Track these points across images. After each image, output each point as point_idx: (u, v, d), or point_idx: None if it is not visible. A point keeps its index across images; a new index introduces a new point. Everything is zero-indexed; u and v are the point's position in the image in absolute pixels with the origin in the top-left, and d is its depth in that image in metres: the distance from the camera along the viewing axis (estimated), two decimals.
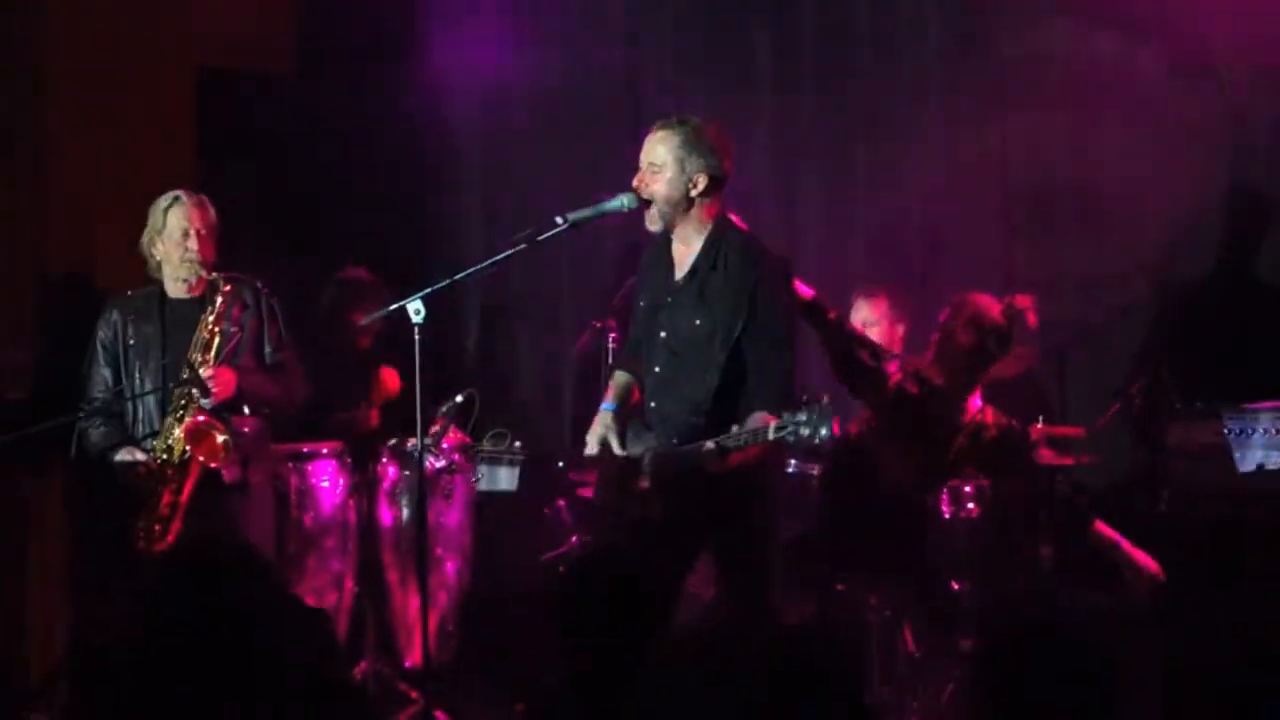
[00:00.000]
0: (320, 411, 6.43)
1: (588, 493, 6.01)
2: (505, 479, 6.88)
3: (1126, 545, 5.86)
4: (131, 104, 6.88)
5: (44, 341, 6.58)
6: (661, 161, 5.08)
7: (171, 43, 7.09)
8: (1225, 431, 6.05)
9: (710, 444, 4.90)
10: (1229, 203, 6.88)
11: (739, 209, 5.23)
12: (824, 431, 4.65)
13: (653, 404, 5.18)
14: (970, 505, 6.26)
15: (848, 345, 5.70)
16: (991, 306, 5.81)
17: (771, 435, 4.74)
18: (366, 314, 5.91)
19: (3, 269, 6.65)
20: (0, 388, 6.41)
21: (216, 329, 5.70)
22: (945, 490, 6.14)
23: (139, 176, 6.50)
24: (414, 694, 6.30)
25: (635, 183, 5.12)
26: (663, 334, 5.16)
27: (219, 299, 5.71)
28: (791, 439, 4.71)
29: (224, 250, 5.85)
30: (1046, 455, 6.25)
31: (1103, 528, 5.87)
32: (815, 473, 6.28)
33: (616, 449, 5.13)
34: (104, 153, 6.74)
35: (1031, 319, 5.84)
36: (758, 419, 4.81)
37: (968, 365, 5.85)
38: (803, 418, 4.67)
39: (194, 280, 5.80)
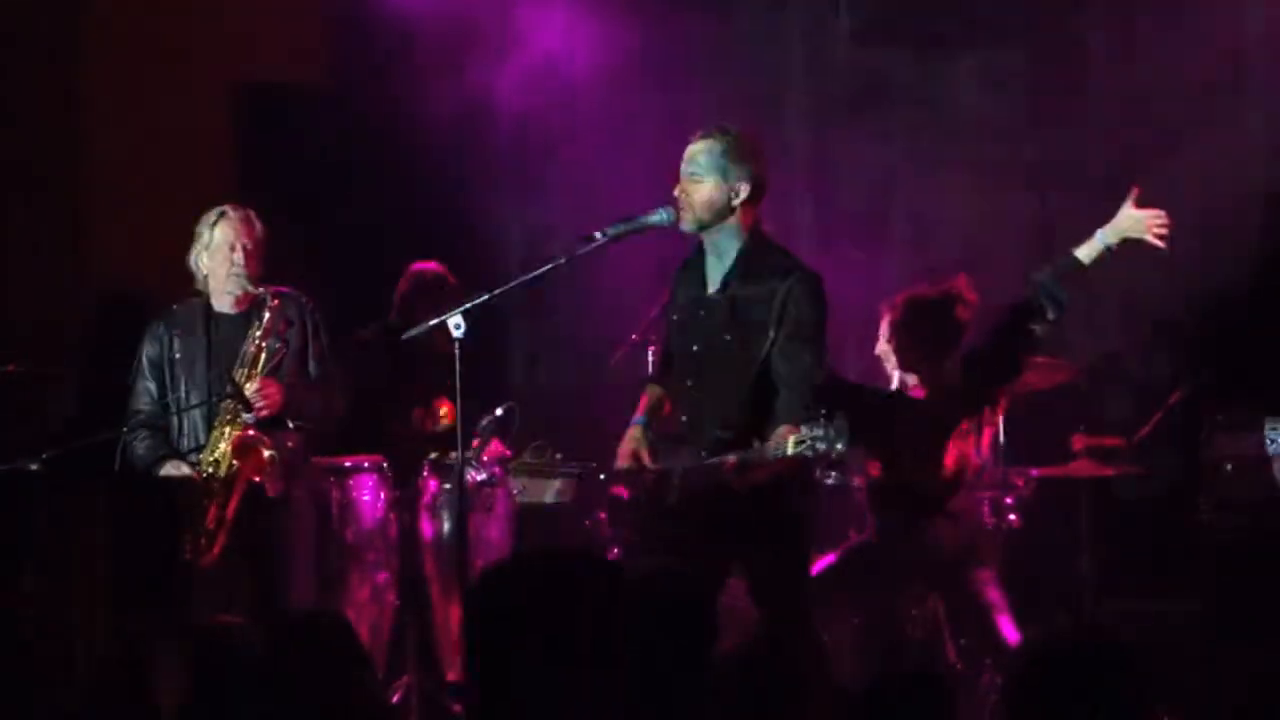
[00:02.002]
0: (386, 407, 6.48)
1: (623, 492, 6.04)
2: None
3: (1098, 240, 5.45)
4: (170, 119, 6.93)
5: (88, 356, 6.63)
6: (703, 170, 5.07)
7: (208, 58, 7.15)
8: (1268, 442, 6.03)
9: (732, 458, 4.90)
10: (1268, 211, 6.86)
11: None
12: (840, 445, 4.68)
13: (684, 418, 5.18)
14: (1011, 516, 6.26)
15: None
16: (927, 292, 5.83)
17: (790, 450, 4.75)
18: (435, 308, 5.95)
19: (46, 285, 6.71)
20: (47, 402, 6.46)
21: (263, 344, 5.72)
22: (987, 500, 6.14)
23: (179, 191, 6.55)
24: (457, 708, 6.31)
25: (676, 191, 5.12)
26: (694, 347, 5.16)
27: (265, 314, 5.73)
28: (810, 454, 4.73)
29: (269, 264, 5.87)
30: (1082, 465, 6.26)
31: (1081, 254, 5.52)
32: (858, 483, 6.27)
33: (647, 463, 5.14)
34: (143, 169, 6.79)
35: (970, 295, 5.84)
36: (781, 434, 4.81)
37: (929, 354, 5.85)
38: (820, 432, 4.69)
39: (240, 295, 5.83)
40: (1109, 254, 5.41)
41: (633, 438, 5.18)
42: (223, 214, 5.84)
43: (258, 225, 5.85)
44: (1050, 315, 5.46)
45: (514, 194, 8.07)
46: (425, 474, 6.53)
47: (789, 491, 4.99)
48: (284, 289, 5.82)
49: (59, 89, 6.80)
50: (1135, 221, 5.38)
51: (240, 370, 5.71)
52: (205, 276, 5.86)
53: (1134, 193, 5.39)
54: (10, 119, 6.73)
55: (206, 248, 5.82)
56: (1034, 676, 3.30)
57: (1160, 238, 5.37)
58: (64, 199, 6.78)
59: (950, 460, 5.86)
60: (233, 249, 5.79)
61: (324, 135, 7.53)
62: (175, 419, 5.82)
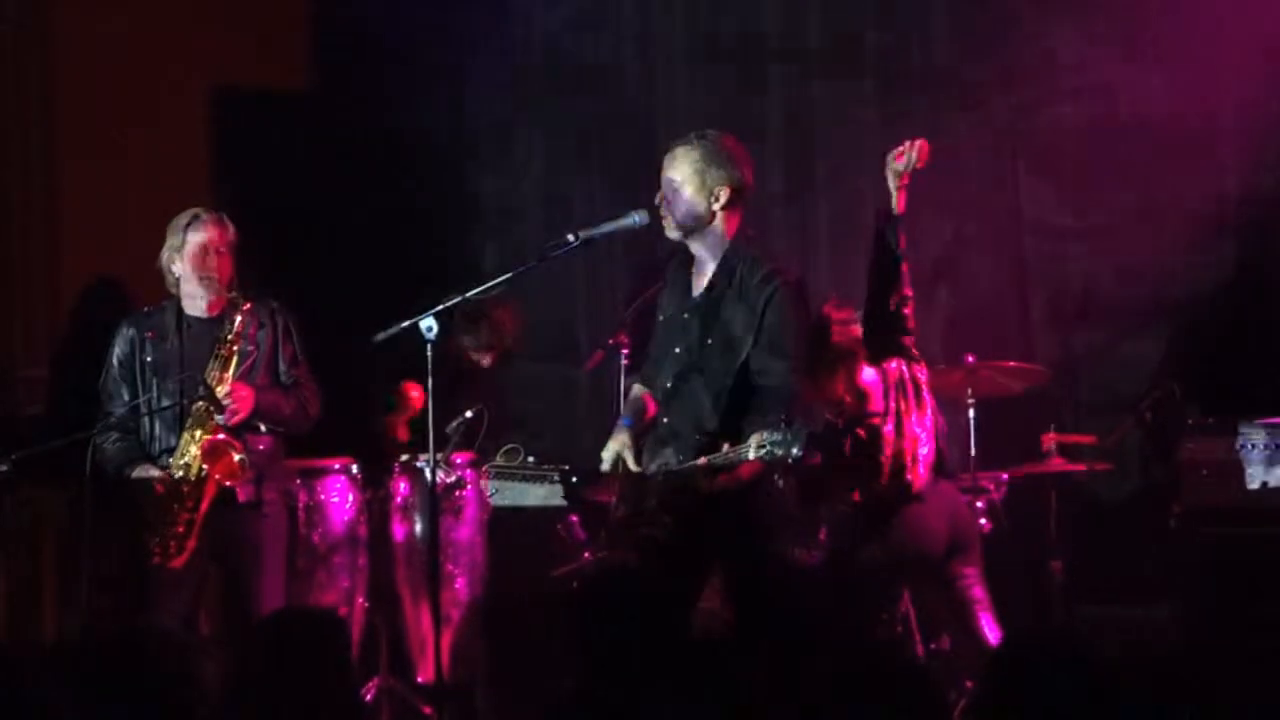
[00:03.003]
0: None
1: (604, 497, 6.06)
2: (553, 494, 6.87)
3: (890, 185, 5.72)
4: (145, 121, 6.92)
5: (60, 358, 6.61)
6: (682, 178, 5.10)
7: (183, 60, 7.14)
8: (1239, 446, 6.06)
9: (703, 461, 4.96)
10: (1242, 214, 6.88)
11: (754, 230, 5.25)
12: (795, 450, 4.77)
13: (665, 419, 5.20)
14: (982, 520, 6.28)
15: None
16: None
17: (752, 454, 4.82)
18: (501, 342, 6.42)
19: (19, 286, 6.69)
20: (17, 403, 6.45)
21: (234, 348, 5.72)
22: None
23: (153, 194, 6.55)
24: (427, 709, 6.31)
25: (657, 200, 5.14)
26: (677, 349, 5.19)
27: (237, 318, 5.72)
28: (769, 459, 4.80)
29: (241, 267, 5.86)
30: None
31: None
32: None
33: (631, 465, 5.15)
34: (117, 170, 6.78)
35: (839, 314, 5.91)
36: (748, 439, 4.87)
37: (817, 381, 5.90)
38: (778, 437, 4.77)
39: (212, 298, 5.82)
40: (904, 191, 5.63)
41: (618, 439, 5.19)
42: (195, 216, 5.82)
43: (230, 228, 5.84)
44: (895, 268, 5.70)
45: (491, 195, 8.06)
46: (395, 475, 6.53)
47: (755, 495, 5.02)
48: (255, 292, 5.81)
49: (33, 90, 6.78)
50: (905, 162, 5.60)
51: (212, 373, 5.70)
52: (177, 279, 5.84)
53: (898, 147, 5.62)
54: None
55: (178, 250, 5.81)
56: (1002, 680, 3.31)
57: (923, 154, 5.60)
58: (37, 201, 6.76)
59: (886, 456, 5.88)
60: (205, 252, 5.78)
61: (299, 139, 7.51)
62: (146, 421, 5.80)
